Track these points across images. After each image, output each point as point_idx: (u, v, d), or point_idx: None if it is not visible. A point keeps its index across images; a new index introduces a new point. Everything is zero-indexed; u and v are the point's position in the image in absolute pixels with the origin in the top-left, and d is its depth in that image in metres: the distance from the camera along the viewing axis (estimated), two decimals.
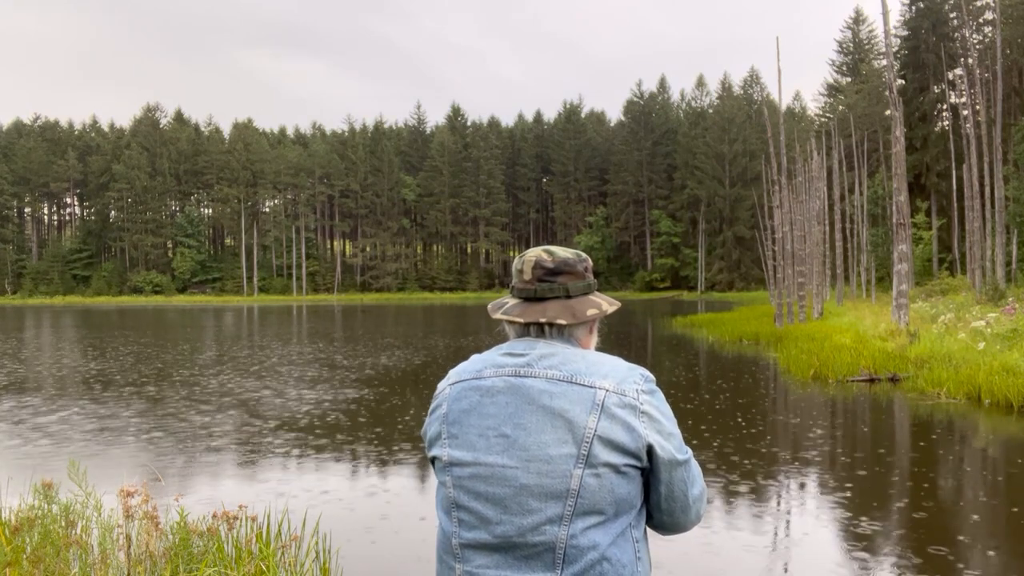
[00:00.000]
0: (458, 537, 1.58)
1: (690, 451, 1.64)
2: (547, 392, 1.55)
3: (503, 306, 1.70)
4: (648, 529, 1.67)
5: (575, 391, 1.55)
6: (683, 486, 1.62)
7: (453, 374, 1.69)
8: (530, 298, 1.67)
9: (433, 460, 1.67)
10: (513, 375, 1.59)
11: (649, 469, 1.59)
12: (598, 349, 1.74)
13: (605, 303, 1.70)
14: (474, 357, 1.70)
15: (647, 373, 1.63)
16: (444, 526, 1.62)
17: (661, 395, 1.62)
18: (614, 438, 1.52)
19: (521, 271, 1.69)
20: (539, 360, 1.59)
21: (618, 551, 1.53)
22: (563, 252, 1.69)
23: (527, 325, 1.67)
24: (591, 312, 1.66)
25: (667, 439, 1.58)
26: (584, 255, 1.71)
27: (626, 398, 1.55)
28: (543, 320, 1.63)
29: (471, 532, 1.56)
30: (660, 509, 1.63)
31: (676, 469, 1.59)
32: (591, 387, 1.55)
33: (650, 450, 1.56)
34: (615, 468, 1.52)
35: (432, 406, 1.70)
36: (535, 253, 1.69)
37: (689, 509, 1.64)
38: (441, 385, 1.70)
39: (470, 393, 1.61)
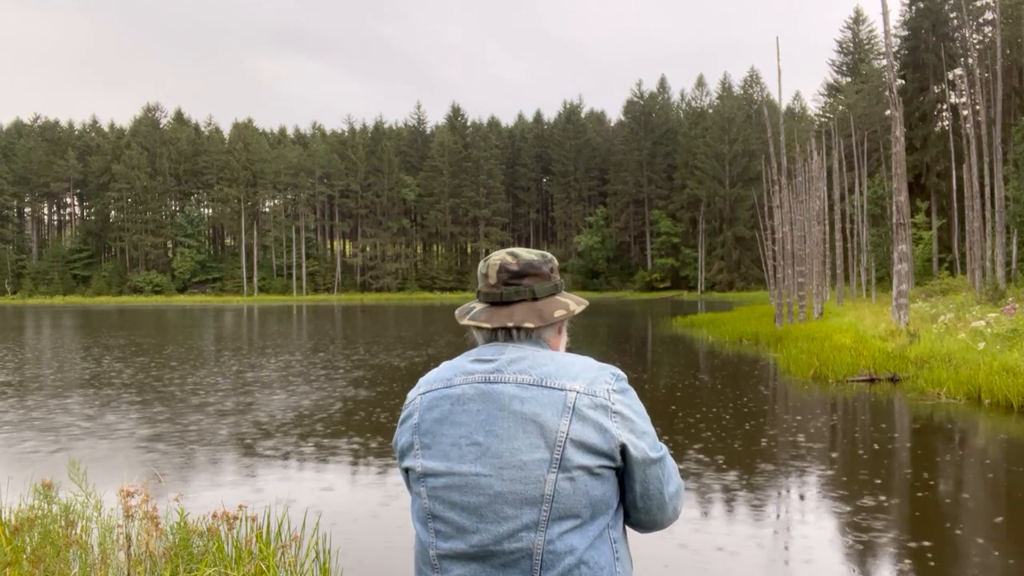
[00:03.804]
0: (435, 547, 1.56)
1: (665, 448, 1.63)
2: (518, 397, 1.54)
3: (470, 311, 1.68)
4: (629, 528, 1.66)
5: (545, 395, 1.53)
6: (658, 484, 1.60)
7: (423, 383, 1.66)
8: (496, 302, 1.65)
9: (406, 471, 1.64)
10: (483, 382, 1.57)
11: (623, 468, 1.57)
12: (568, 349, 1.73)
13: (572, 303, 1.68)
14: (444, 364, 1.68)
15: (618, 372, 1.61)
16: (421, 536, 1.59)
17: (633, 393, 1.61)
18: (586, 440, 1.51)
19: (486, 275, 1.67)
20: (508, 365, 1.58)
21: (596, 553, 1.52)
22: (527, 254, 1.67)
23: (495, 330, 1.65)
24: (559, 313, 1.65)
25: (640, 437, 1.57)
26: (549, 256, 1.70)
27: (597, 399, 1.54)
28: (510, 324, 1.61)
29: (448, 542, 1.54)
30: (636, 508, 1.62)
31: (650, 467, 1.58)
32: (561, 390, 1.54)
33: (623, 450, 1.54)
34: (589, 470, 1.51)
35: (402, 416, 1.67)
36: (499, 256, 1.67)
37: (666, 506, 1.63)
38: (411, 394, 1.67)
39: (441, 402, 1.59)
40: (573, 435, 1.50)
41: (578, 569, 1.49)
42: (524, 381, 1.55)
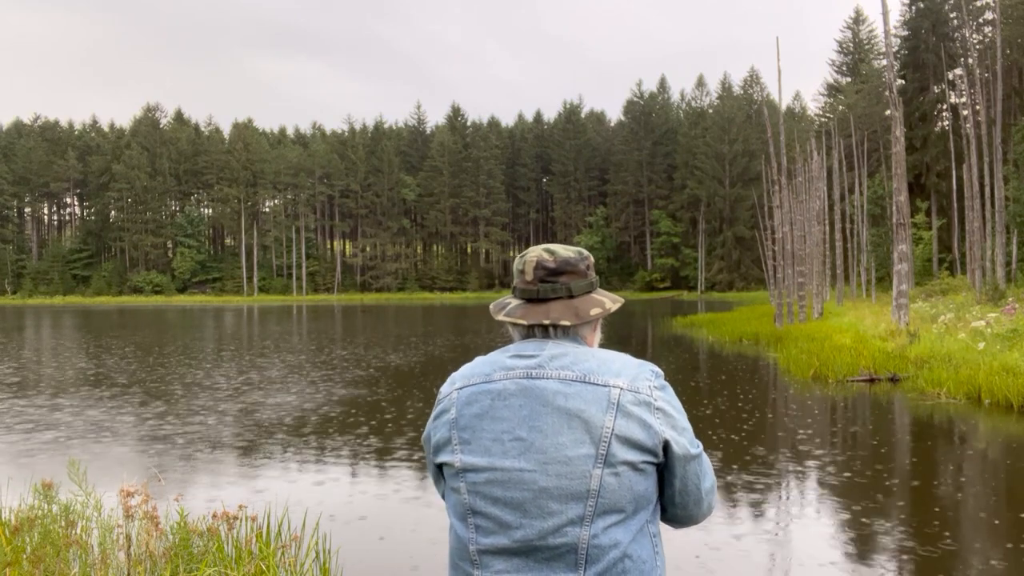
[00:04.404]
0: (475, 543, 1.55)
1: (700, 444, 1.65)
2: (561, 393, 1.54)
3: (505, 307, 1.68)
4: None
5: (590, 391, 1.54)
6: (696, 480, 1.62)
7: (458, 378, 1.66)
8: (532, 299, 1.65)
9: (440, 466, 1.64)
10: (525, 377, 1.57)
11: (664, 464, 1.59)
12: (601, 345, 1.73)
13: (608, 301, 1.69)
14: (478, 360, 1.67)
15: (656, 368, 1.63)
16: (459, 533, 1.59)
17: (671, 390, 1.62)
18: (631, 436, 1.52)
19: (523, 271, 1.66)
20: (550, 361, 1.58)
21: (638, 547, 1.53)
22: (564, 251, 1.67)
23: (531, 326, 1.65)
24: (595, 311, 1.65)
25: (681, 434, 1.59)
26: (586, 252, 1.70)
27: (640, 395, 1.55)
28: (547, 321, 1.62)
29: (489, 538, 1.54)
30: (674, 503, 1.63)
31: (690, 463, 1.60)
32: (605, 386, 1.54)
33: (666, 446, 1.56)
34: (633, 466, 1.52)
35: (436, 411, 1.67)
36: (536, 253, 1.67)
37: (702, 502, 1.65)
38: (445, 389, 1.67)
39: (481, 397, 1.59)
40: (618, 431, 1.52)
41: (622, 563, 1.51)
42: (567, 377, 1.56)
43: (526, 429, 1.54)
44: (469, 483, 1.57)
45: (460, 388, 1.63)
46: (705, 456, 1.66)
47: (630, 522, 1.53)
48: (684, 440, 1.59)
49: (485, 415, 1.58)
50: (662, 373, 1.63)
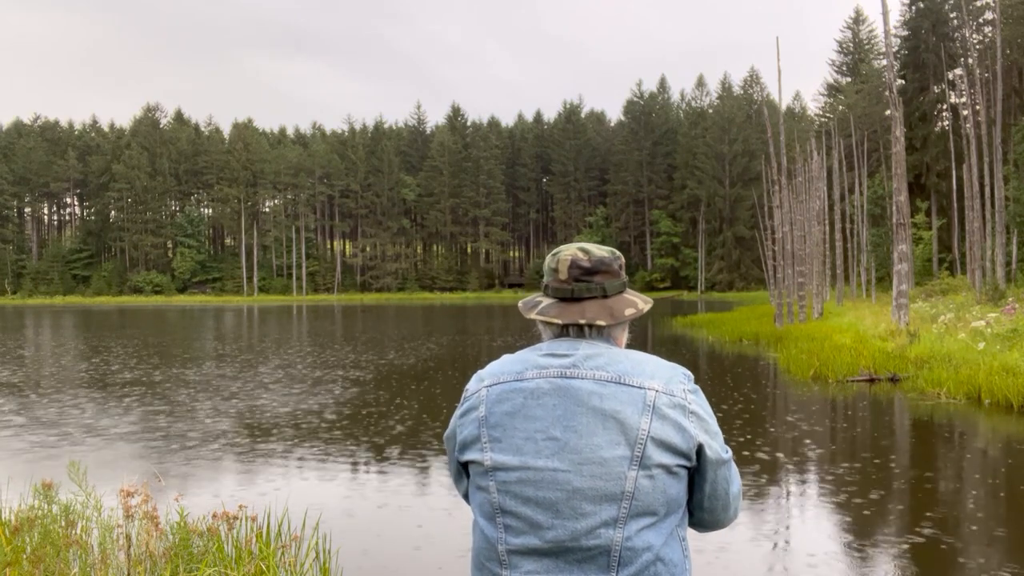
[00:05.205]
0: (504, 543, 1.53)
1: (730, 450, 1.65)
2: (597, 393, 1.53)
3: (537, 305, 1.66)
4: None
5: (625, 392, 1.53)
6: (725, 484, 1.62)
7: (487, 375, 1.64)
8: (567, 298, 1.63)
9: (465, 464, 1.62)
10: (559, 376, 1.56)
11: (696, 468, 1.58)
12: (629, 345, 1.73)
13: (640, 301, 1.67)
14: (507, 358, 1.65)
15: (688, 372, 1.62)
16: (487, 532, 1.56)
17: (702, 394, 1.62)
18: (666, 439, 1.51)
19: (556, 270, 1.64)
20: (585, 361, 1.56)
21: (669, 551, 1.53)
22: (598, 250, 1.65)
23: (565, 326, 1.63)
24: (629, 312, 1.64)
25: (713, 438, 1.58)
26: (618, 252, 1.68)
27: (675, 398, 1.54)
28: (583, 321, 1.60)
29: (519, 538, 1.52)
30: (702, 508, 1.63)
31: (720, 468, 1.60)
32: (640, 388, 1.53)
33: (699, 450, 1.56)
34: (667, 469, 1.51)
35: (462, 408, 1.64)
36: (571, 251, 1.65)
37: (729, 507, 1.66)
38: (473, 386, 1.65)
39: (513, 395, 1.57)
40: (654, 433, 1.51)
41: (654, 566, 1.50)
42: (601, 378, 1.54)
43: (560, 429, 1.52)
44: (499, 482, 1.54)
45: (490, 385, 1.61)
46: (733, 462, 1.65)
47: (661, 525, 1.52)
48: (716, 444, 1.58)
49: (517, 413, 1.56)
50: (692, 376, 1.62)
